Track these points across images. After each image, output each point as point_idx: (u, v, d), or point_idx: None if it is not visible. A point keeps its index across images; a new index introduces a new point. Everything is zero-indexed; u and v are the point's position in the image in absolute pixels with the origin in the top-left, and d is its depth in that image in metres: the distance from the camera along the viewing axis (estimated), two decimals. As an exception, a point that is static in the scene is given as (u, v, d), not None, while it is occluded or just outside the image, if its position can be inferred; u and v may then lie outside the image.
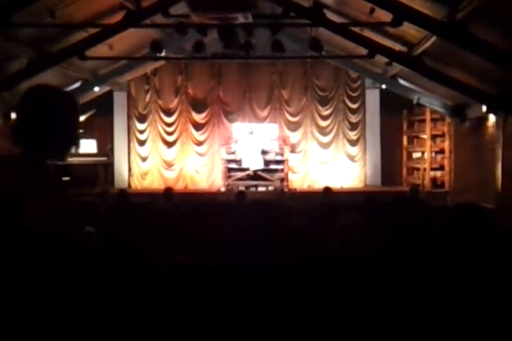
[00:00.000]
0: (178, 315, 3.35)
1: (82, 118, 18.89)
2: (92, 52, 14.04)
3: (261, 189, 18.73)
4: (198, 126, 20.84)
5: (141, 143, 20.80)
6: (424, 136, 19.64)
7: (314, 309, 3.60)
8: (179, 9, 13.34)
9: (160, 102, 20.80)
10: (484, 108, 14.09)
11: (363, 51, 14.67)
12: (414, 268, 3.38)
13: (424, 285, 3.11)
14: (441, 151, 19.01)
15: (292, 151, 20.15)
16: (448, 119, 17.98)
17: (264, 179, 18.87)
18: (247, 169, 18.81)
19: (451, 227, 3.29)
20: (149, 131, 20.82)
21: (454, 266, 3.10)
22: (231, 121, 20.62)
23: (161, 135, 20.78)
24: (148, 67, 20.04)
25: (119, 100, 20.57)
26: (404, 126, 20.51)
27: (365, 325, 3.30)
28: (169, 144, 20.78)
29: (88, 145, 18.77)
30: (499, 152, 13.68)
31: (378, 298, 3.44)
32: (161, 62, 19.72)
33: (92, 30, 13.55)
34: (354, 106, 20.72)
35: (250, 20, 13.06)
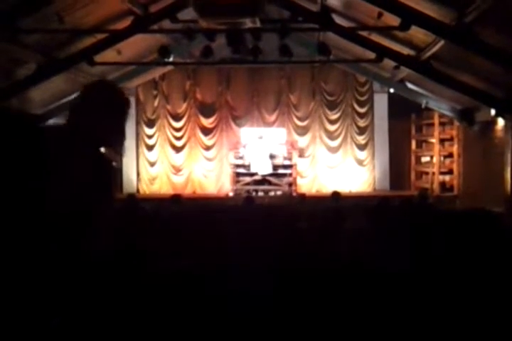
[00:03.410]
0: (183, 321, 3.35)
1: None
2: (100, 57, 14.08)
3: (269, 193, 18.73)
4: (206, 131, 20.86)
5: (150, 148, 20.84)
6: (433, 140, 19.62)
7: (322, 313, 3.59)
8: (187, 14, 13.36)
9: (168, 107, 20.84)
10: (493, 112, 14.06)
11: (371, 55, 14.67)
12: (422, 272, 3.37)
13: (433, 289, 3.11)
14: (450, 155, 18.97)
15: (300, 156, 20.14)
16: (456, 123, 17.96)
17: (273, 184, 18.89)
18: (255, 174, 18.83)
19: (460, 232, 3.28)
20: (158, 136, 20.86)
21: (463, 270, 3.09)
22: (239, 125, 20.64)
23: (169, 140, 20.81)
24: (157, 73, 20.09)
25: (128, 105, 20.59)
26: (413, 130, 20.50)
27: (373, 326, 3.29)
28: (177, 149, 20.81)
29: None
30: (508, 156, 13.65)
31: (387, 300, 3.43)
32: (169, 68, 19.75)
33: (101, 36, 13.59)
34: (362, 110, 20.71)
35: (258, 24, 13.08)
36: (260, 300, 3.73)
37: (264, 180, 18.86)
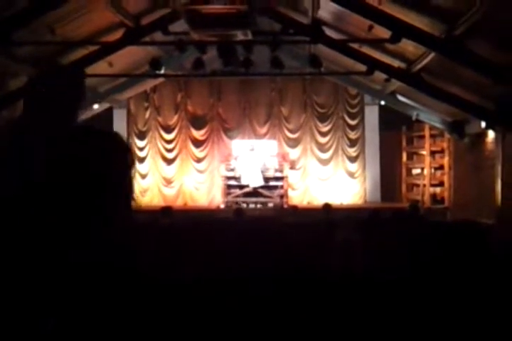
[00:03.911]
0: (180, 329, 3.33)
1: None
2: (91, 69, 14.06)
3: (260, 206, 18.71)
4: (197, 143, 20.86)
5: (141, 160, 20.79)
6: (424, 152, 19.66)
7: (313, 325, 3.58)
8: (179, 27, 13.40)
9: (159, 119, 20.83)
10: (483, 124, 14.11)
11: (362, 68, 14.74)
12: (412, 284, 3.37)
13: (422, 301, 3.10)
14: (441, 167, 19.01)
15: (292, 168, 20.15)
16: (447, 135, 18.01)
17: (264, 196, 18.85)
18: (246, 186, 18.79)
19: (449, 244, 3.28)
20: (149, 148, 20.84)
21: (451, 283, 3.09)
22: (230, 137, 20.65)
23: (160, 152, 20.79)
24: (148, 85, 20.09)
25: (119, 117, 20.60)
26: (404, 143, 20.53)
27: (364, 339, 3.28)
28: (169, 161, 20.79)
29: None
30: (498, 168, 13.69)
31: (376, 313, 3.42)
32: (161, 80, 19.77)
33: (92, 48, 13.60)
34: (353, 122, 20.76)
35: (249, 37, 13.13)
36: (258, 307, 3.72)
37: (255, 192, 18.83)
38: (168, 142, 20.80)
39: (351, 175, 20.71)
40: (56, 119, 2.69)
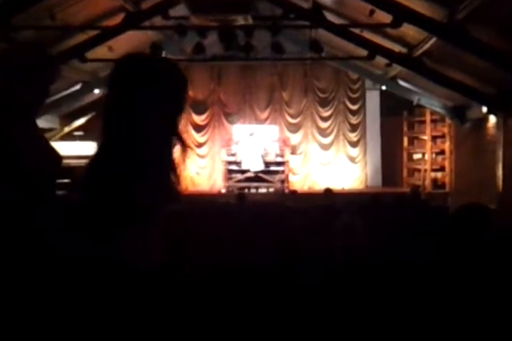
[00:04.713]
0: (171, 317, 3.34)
1: (82, 120, 18.89)
2: (91, 54, 14.03)
3: (261, 190, 18.73)
4: (198, 128, 20.83)
5: (142, 145, 20.74)
6: (425, 137, 19.64)
7: (316, 310, 3.60)
8: (179, 11, 13.35)
9: (160, 104, 20.74)
10: (484, 109, 14.08)
11: (363, 52, 14.68)
12: (416, 268, 3.38)
13: (427, 285, 3.11)
14: (442, 152, 19.01)
15: (293, 153, 20.15)
16: (448, 120, 17.98)
17: (265, 180, 18.86)
18: (247, 171, 18.80)
19: (458, 227, 3.28)
20: (149, 132, 20.77)
21: (457, 266, 3.10)
22: (231, 122, 20.63)
23: (161, 137, 20.73)
24: (149, 70, 20.00)
25: (119, 102, 20.54)
26: (405, 128, 20.49)
27: (368, 323, 3.30)
28: (169, 146, 20.74)
29: (88, 148, 18.70)
30: (500, 153, 13.68)
31: (381, 298, 3.43)
32: (161, 64, 19.68)
33: (92, 32, 13.55)
34: (354, 107, 20.73)
35: (250, 21, 13.09)
36: (258, 297, 3.74)
37: (256, 177, 18.84)
38: (169, 127, 20.73)
39: (352, 159, 20.71)
40: (24, 97, 2.63)
